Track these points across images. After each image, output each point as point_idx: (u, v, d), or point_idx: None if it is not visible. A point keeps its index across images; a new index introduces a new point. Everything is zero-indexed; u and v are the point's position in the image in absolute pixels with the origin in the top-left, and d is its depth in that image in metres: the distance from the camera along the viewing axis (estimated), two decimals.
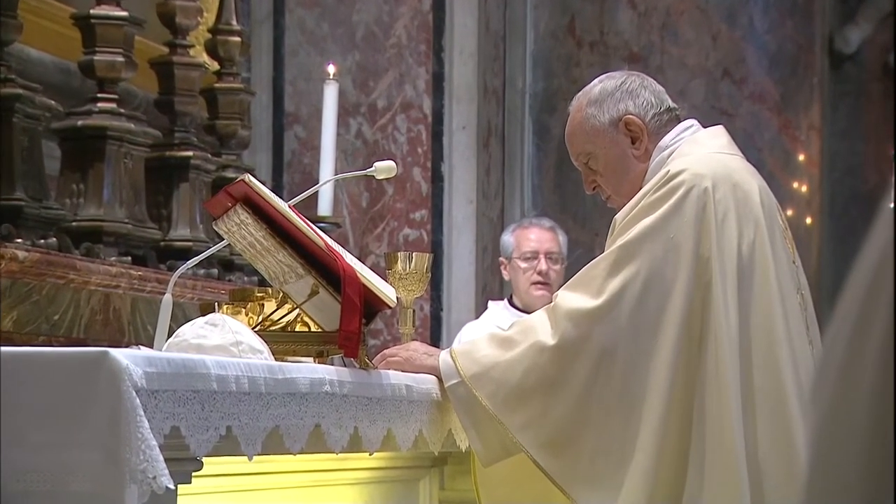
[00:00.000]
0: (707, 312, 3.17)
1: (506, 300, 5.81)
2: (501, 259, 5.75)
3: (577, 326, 3.20)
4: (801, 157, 7.60)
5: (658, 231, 3.21)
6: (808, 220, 7.65)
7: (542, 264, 5.59)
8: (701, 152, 3.35)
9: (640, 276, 3.19)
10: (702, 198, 3.22)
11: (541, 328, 3.23)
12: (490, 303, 5.94)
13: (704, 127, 3.48)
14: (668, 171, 3.26)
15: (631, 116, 3.39)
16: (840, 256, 7.95)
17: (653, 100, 3.42)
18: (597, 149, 3.41)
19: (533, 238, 5.66)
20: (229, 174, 5.31)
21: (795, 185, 7.57)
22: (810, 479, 1.00)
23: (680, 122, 3.45)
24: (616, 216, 3.33)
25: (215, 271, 5.17)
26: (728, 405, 3.11)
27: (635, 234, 3.22)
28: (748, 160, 3.47)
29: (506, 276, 5.76)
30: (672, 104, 3.46)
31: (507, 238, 5.73)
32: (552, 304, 3.29)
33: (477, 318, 6.05)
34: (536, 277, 5.60)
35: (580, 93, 3.51)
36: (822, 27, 7.84)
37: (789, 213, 7.15)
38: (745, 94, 7.41)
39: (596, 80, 3.51)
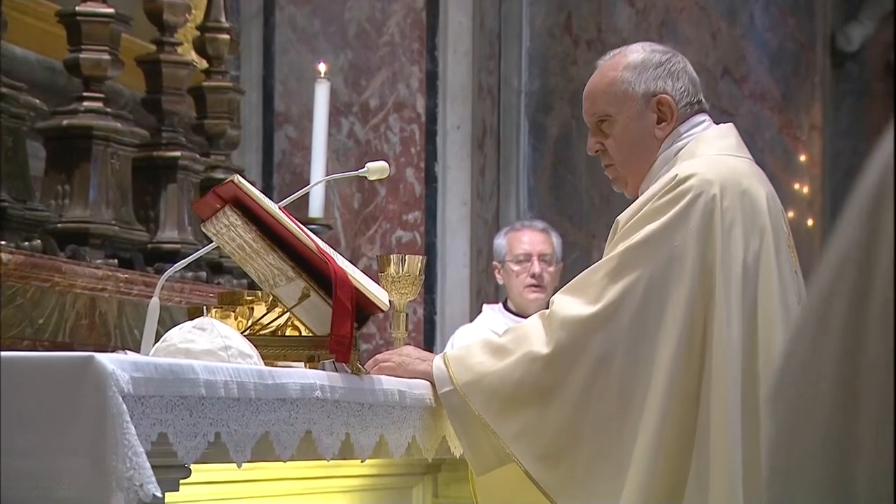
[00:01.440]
0: (709, 323, 3.15)
1: (500, 304, 5.83)
2: (495, 263, 5.78)
3: (572, 334, 3.18)
4: (803, 158, 7.60)
5: (662, 238, 3.20)
6: (810, 222, 7.65)
7: (535, 266, 5.62)
8: (709, 153, 3.33)
9: (640, 283, 3.17)
10: (709, 205, 3.20)
11: (534, 336, 3.22)
12: (485, 306, 5.96)
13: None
14: (677, 175, 3.24)
15: (667, 97, 3.36)
16: None
17: (690, 88, 3.40)
18: (619, 114, 3.37)
19: (525, 240, 5.68)
20: (218, 175, 5.31)
21: (796, 186, 7.58)
22: (770, 480, 1.01)
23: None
24: (619, 217, 3.31)
25: (204, 274, 5.17)
26: (730, 418, 3.11)
27: (638, 239, 3.21)
28: None
29: (499, 279, 5.79)
30: (702, 97, 3.44)
31: (500, 241, 5.76)
32: (548, 310, 3.28)
33: (471, 321, 6.06)
34: (530, 280, 5.62)
35: (615, 51, 3.45)
36: (823, 25, 7.86)
37: (790, 214, 7.15)
38: (746, 93, 7.42)
39: (637, 46, 3.46)
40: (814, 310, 0.99)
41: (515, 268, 5.64)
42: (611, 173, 3.42)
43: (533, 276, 5.62)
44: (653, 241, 3.20)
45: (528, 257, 5.65)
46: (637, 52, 3.41)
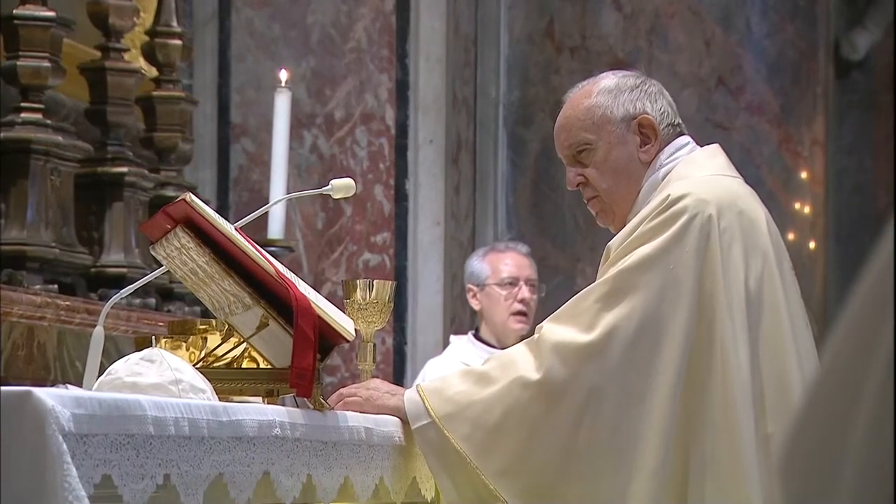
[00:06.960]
0: (712, 352, 3.17)
1: (470, 334, 5.76)
2: (470, 286, 5.69)
3: (564, 362, 3.20)
4: (804, 175, 7.63)
5: (657, 261, 3.22)
6: (812, 245, 7.68)
7: (525, 292, 5.55)
8: (700, 174, 3.37)
9: (635, 310, 3.20)
10: (705, 226, 3.23)
11: (522, 362, 3.24)
12: (452, 337, 5.91)
13: (700, 145, 3.50)
14: (669, 195, 3.27)
15: (648, 117, 3.41)
16: (847, 285, 7.99)
17: (668, 110, 3.46)
18: (599, 140, 3.41)
19: (511, 263, 5.63)
20: (169, 192, 5.31)
21: (797, 205, 7.60)
22: None
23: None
24: (610, 243, 3.34)
25: (153, 301, 5.16)
26: (740, 454, 3.12)
27: (631, 262, 3.23)
28: (745, 178, 3.49)
29: (475, 305, 5.70)
30: (680, 120, 3.49)
31: (478, 264, 5.69)
32: (535, 336, 3.29)
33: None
34: (518, 306, 5.56)
35: (585, 81, 3.51)
36: (826, 32, 7.89)
37: (791, 236, 7.18)
38: (742, 104, 7.44)
39: (608, 73, 3.53)
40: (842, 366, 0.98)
41: (501, 292, 5.57)
42: (594, 206, 3.45)
43: (522, 301, 5.56)
44: (647, 264, 3.22)
45: (515, 281, 5.59)
46: (609, 78, 3.49)
